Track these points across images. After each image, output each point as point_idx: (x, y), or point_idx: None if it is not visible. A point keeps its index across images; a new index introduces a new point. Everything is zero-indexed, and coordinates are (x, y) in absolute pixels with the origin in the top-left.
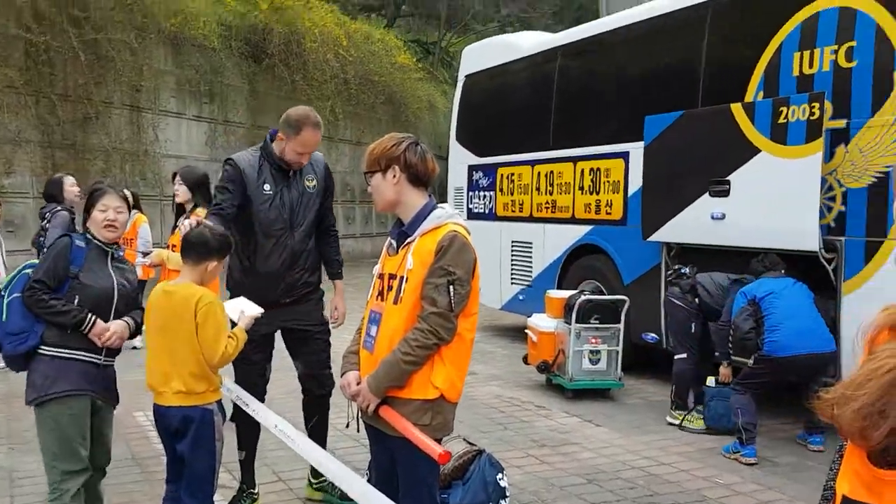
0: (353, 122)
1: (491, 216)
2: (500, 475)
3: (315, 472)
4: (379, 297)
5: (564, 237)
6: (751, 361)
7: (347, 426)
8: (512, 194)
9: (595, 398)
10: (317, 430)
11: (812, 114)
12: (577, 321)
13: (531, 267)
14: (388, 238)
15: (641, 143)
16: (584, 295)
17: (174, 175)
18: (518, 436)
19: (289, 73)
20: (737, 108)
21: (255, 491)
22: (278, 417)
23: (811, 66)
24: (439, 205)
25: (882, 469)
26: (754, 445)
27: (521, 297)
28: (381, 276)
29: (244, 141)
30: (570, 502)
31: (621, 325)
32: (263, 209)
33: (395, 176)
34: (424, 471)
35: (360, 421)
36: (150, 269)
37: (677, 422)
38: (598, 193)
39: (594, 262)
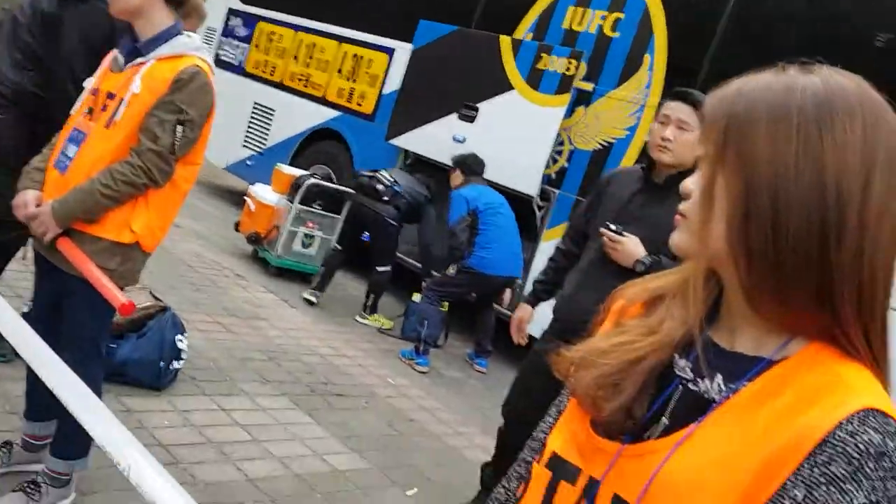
0: None
1: (239, 70)
2: (179, 336)
3: None
4: (88, 116)
5: (310, 115)
6: (452, 270)
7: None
8: (267, 54)
9: (296, 280)
10: None
11: (568, 69)
12: (300, 202)
13: (268, 135)
14: (114, 52)
15: (410, 45)
16: (314, 178)
17: None
18: (209, 300)
19: None
20: (504, 41)
21: None
22: None
23: (580, 23)
24: (186, 32)
25: (600, 437)
26: (428, 356)
27: (248, 163)
28: (94, 92)
29: None
30: (244, 374)
31: (342, 218)
32: None
33: None
34: (95, 317)
35: (30, 248)
36: None
37: (367, 322)
38: (355, 81)
39: (332, 149)
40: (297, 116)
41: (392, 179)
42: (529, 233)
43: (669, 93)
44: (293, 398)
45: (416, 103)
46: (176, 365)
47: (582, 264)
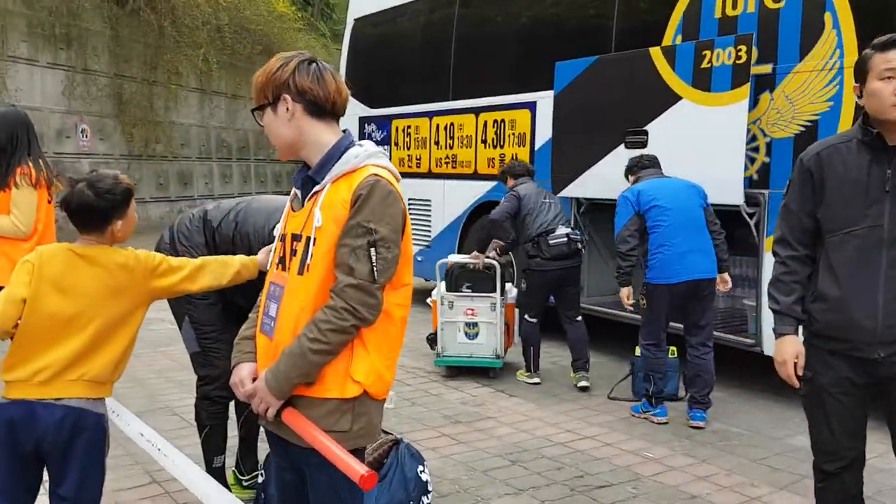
0: (228, 74)
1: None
2: (420, 468)
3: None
4: (279, 266)
5: (466, 194)
6: (642, 300)
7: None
8: (408, 148)
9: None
10: (251, 426)
11: (738, 58)
12: (445, 289)
13: (430, 226)
14: (292, 188)
15: (550, 92)
16: (454, 258)
17: None
18: (429, 412)
19: (156, 18)
20: (655, 53)
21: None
22: (145, 426)
23: (734, 6)
24: (357, 142)
25: None
26: (664, 405)
27: (419, 259)
28: (282, 239)
29: (106, 92)
30: (495, 489)
31: (498, 295)
32: None
33: (287, 109)
34: (344, 493)
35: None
36: None
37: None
38: (502, 147)
39: None
40: (454, 199)
41: (567, 230)
42: (747, 246)
43: (875, 45)
44: None
45: (575, 148)
46: (426, 500)
47: (837, 264)
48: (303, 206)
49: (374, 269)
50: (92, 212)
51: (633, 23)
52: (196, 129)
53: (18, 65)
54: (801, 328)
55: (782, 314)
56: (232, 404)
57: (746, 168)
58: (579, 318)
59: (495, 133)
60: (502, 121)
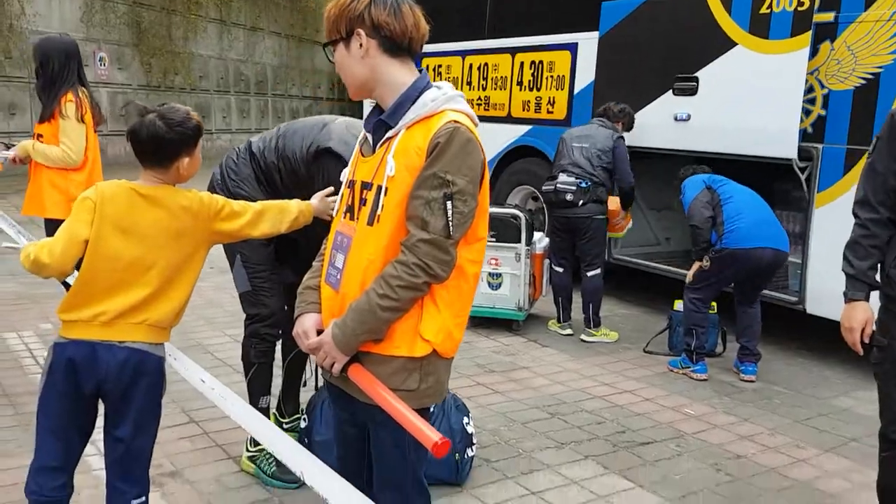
0: (247, 5)
1: None
2: (466, 419)
3: (254, 438)
4: (347, 215)
5: (498, 138)
6: (706, 262)
7: (304, 384)
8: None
9: (534, 316)
10: (295, 368)
11: (800, 4)
12: None
13: None
14: (362, 131)
15: (593, 34)
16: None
17: (35, 48)
18: (462, 360)
19: None
20: None
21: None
22: (204, 372)
23: None
24: (434, 83)
25: None
26: (704, 361)
27: None
28: (350, 185)
29: (125, 20)
30: (535, 442)
31: (523, 246)
32: None
33: (361, 45)
34: (409, 450)
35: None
36: None
37: (595, 339)
38: (538, 90)
39: (530, 166)
40: (485, 143)
41: (574, 180)
42: (795, 203)
43: None
44: (599, 460)
45: (618, 93)
46: (470, 453)
47: None
48: (374, 152)
49: (450, 223)
50: (162, 145)
51: None
52: (214, 62)
53: None
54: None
55: (855, 279)
56: (279, 345)
57: (801, 120)
58: (591, 272)
59: (532, 75)
60: (540, 62)
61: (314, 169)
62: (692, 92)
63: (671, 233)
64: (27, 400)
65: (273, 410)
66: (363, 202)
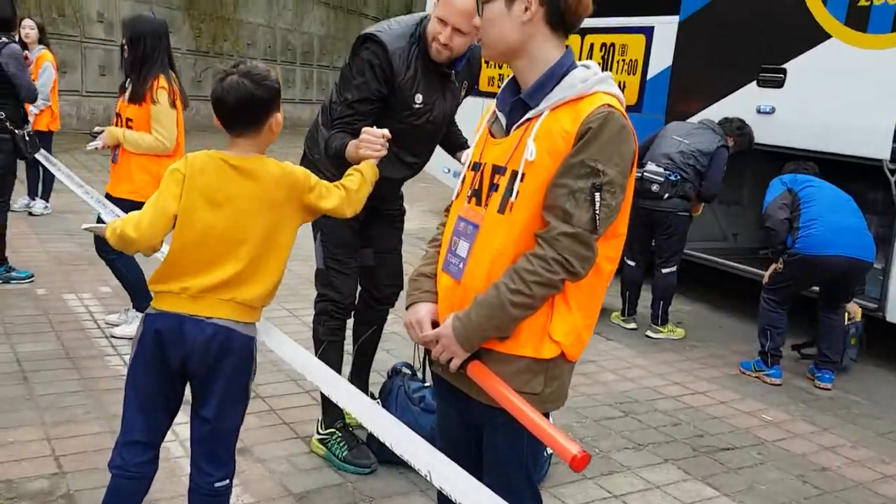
0: None
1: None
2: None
3: (325, 420)
4: (473, 200)
5: None
6: (780, 265)
7: (413, 374)
8: (500, 66)
9: None
10: (365, 352)
11: None
12: None
13: None
14: (492, 107)
15: (671, 18)
16: None
17: (125, 25)
18: None
19: None
20: None
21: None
22: (299, 347)
23: None
24: (581, 61)
25: None
26: (779, 366)
27: None
28: (475, 168)
29: None
30: (611, 441)
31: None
32: (406, 127)
33: (528, 8)
34: (526, 455)
35: (427, 368)
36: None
37: (661, 335)
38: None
39: None
40: None
41: (663, 171)
42: (879, 203)
43: None
44: (679, 465)
45: (698, 81)
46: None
47: None
48: (508, 133)
49: (597, 216)
50: (254, 104)
51: None
52: (263, 30)
53: None
54: None
55: None
56: (350, 324)
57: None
58: (666, 269)
59: (602, 58)
60: (612, 45)
61: (356, 63)
62: (779, 84)
63: (739, 229)
64: (91, 364)
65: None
66: (494, 187)
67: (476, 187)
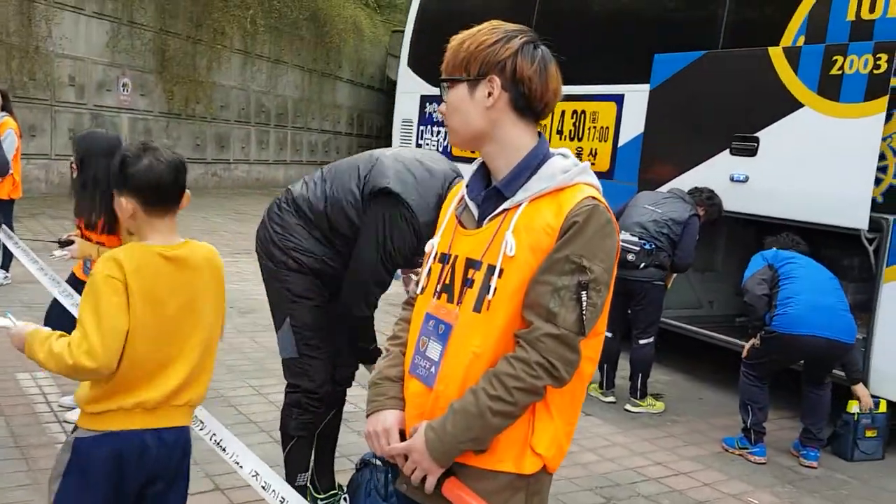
0: (272, 38)
1: (446, 155)
2: None
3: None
4: (443, 296)
5: None
6: (757, 340)
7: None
8: None
9: None
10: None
11: (877, 66)
12: None
13: None
14: (461, 196)
15: (640, 86)
16: None
17: (76, 143)
18: None
19: None
20: (776, 53)
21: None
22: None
23: (874, 10)
24: (557, 150)
25: None
26: (763, 443)
27: None
28: (443, 260)
29: (150, 47)
30: None
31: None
32: None
33: (490, 93)
34: None
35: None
36: None
37: (640, 409)
38: (580, 140)
39: None
40: None
41: (638, 240)
42: (860, 273)
43: None
44: None
45: (669, 149)
46: None
47: None
48: (480, 224)
49: (584, 317)
50: (170, 187)
51: (747, 19)
52: (236, 92)
53: (64, 12)
54: None
55: None
56: None
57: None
58: (643, 339)
59: (573, 125)
60: (583, 112)
61: (371, 213)
62: (752, 152)
63: (715, 296)
64: (40, 454)
65: (307, 483)
66: (468, 283)
67: (447, 282)
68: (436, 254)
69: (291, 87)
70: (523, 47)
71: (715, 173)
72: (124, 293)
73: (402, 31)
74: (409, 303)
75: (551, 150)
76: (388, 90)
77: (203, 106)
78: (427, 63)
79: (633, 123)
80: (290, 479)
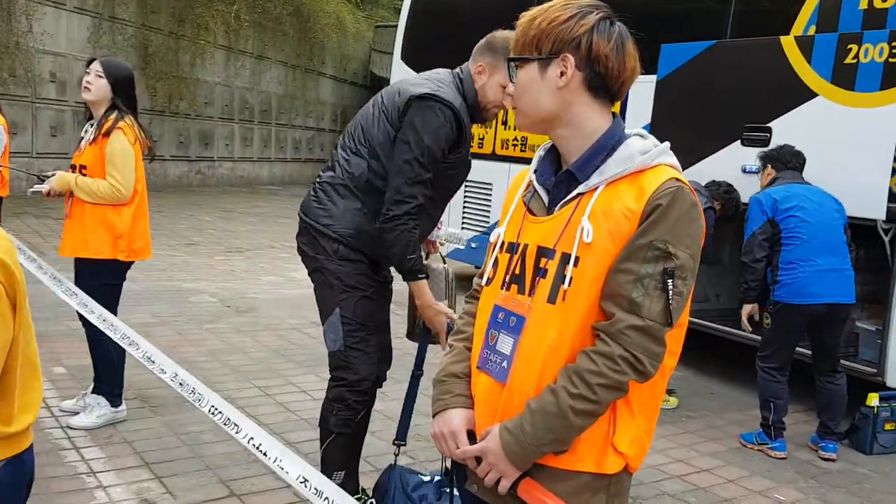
0: (256, 33)
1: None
2: None
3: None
4: (513, 287)
5: None
6: (766, 320)
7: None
8: (515, 127)
9: None
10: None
11: (893, 55)
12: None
13: (489, 211)
14: (528, 180)
15: (647, 77)
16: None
17: (89, 62)
18: None
19: None
20: (788, 42)
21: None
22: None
23: None
24: (637, 132)
25: None
26: (784, 438)
27: (473, 245)
28: (511, 249)
29: (132, 43)
30: None
31: None
32: (455, 174)
33: (563, 73)
34: None
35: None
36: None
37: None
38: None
39: None
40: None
41: None
42: (873, 263)
43: None
44: None
45: (678, 141)
46: None
47: None
48: (551, 211)
49: (670, 306)
50: None
51: (757, 8)
52: (220, 88)
53: (46, 7)
54: None
55: None
56: None
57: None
58: None
59: None
60: None
61: (405, 122)
62: (764, 143)
63: (722, 289)
64: (43, 461)
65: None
66: (541, 272)
67: (516, 272)
68: (502, 243)
69: (275, 83)
70: (599, 23)
71: (726, 164)
72: (3, 298)
73: (386, 27)
74: (473, 296)
75: (627, 131)
76: (371, 86)
77: (186, 102)
78: (420, 55)
79: (639, 115)
80: (327, 473)
